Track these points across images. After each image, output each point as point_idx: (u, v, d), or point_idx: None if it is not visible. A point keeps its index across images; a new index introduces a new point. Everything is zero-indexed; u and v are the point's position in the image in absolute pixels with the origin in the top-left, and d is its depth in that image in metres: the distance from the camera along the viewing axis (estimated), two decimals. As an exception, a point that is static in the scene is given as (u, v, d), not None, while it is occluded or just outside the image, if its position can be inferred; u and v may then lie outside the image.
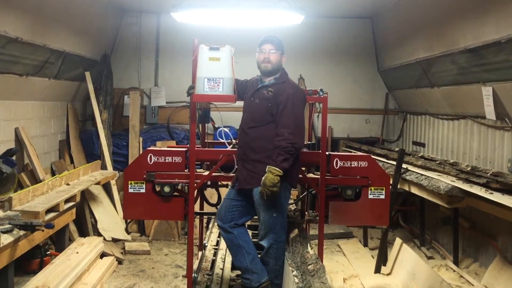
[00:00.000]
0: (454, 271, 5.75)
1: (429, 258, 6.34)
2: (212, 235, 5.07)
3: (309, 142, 4.77)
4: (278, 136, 3.55)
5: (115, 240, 6.89)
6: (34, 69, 5.88)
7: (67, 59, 6.55)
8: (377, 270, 5.80)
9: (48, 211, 4.91)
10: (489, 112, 5.23)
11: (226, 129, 4.38)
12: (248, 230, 4.05)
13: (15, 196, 4.70)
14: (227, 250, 4.28)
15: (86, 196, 6.87)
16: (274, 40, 3.78)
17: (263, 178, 3.49)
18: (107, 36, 8.02)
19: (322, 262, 3.69)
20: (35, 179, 6.01)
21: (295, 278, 3.41)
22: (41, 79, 6.22)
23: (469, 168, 5.39)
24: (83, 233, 6.73)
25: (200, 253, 4.78)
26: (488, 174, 4.93)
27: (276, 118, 3.61)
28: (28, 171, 6.09)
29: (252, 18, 5.89)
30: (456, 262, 5.91)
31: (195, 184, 3.96)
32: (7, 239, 4.04)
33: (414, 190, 5.73)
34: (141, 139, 7.95)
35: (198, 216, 4.85)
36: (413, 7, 6.35)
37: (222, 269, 4.24)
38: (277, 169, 3.46)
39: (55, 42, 6.04)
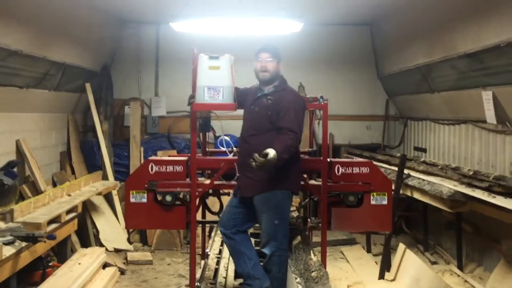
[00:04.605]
0: (458, 276, 5.72)
1: (433, 263, 6.31)
2: (215, 244, 5.05)
3: (310, 149, 4.77)
4: (284, 135, 3.54)
5: (117, 250, 6.87)
6: (34, 81, 5.90)
7: (67, 71, 6.57)
8: (381, 276, 5.78)
9: (50, 222, 4.91)
10: (490, 116, 5.23)
11: (227, 138, 4.39)
12: (251, 238, 4.04)
13: (16, 208, 4.70)
14: (230, 258, 4.27)
15: (87, 207, 6.85)
16: (270, 48, 3.82)
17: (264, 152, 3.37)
18: (107, 47, 8.05)
19: (325, 269, 3.68)
20: (36, 191, 6.01)
21: (299, 285, 3.41)
22: (41, 91, 6.24)
23: (471, 173, 5.38)
24: (85, 243, 6.71)
25: (202, 262, 4.77)
26: (490, 178, 4.92)
27: (278, 124, 3.62)
28: (29, 182, 6.09)
29: (251, 26, 5.93)
30: (460, 267, 5.89)
31: (197, 193, 3.96)
32: (9, 250, 4.04)
33: (417, 195, 5.72)
34: (142, 149, 7.95)
35: (200, 225, 4.84)
36: (412, 13, 6.37)
37: (225, 278, 4.22)
38: (277, 157, 3.37)
39: (55, 54, 6.07)
